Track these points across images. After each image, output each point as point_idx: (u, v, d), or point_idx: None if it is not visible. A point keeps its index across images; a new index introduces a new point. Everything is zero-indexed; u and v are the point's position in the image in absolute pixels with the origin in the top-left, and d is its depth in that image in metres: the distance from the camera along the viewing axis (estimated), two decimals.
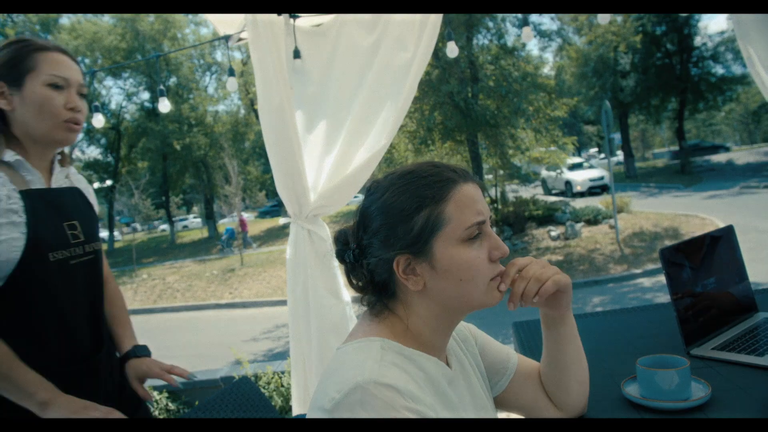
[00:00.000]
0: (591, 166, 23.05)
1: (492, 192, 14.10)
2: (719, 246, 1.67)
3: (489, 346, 1.15)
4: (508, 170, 13.06)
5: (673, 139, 32.94)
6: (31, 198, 1.35)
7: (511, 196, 14.57)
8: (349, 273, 1.01)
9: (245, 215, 21.64)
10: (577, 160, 23.52)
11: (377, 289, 0.98)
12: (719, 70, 24.45)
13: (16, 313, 1.31)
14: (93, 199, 1.61)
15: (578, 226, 11.93)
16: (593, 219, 12.54)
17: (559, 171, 21.19)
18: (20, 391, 1.25)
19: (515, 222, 12.76)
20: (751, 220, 10.92)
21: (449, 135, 12.71)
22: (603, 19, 2.52)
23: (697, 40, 24.60)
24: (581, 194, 20.61)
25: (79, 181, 1.60)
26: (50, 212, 1.38)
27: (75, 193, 1.52)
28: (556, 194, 21.98)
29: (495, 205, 13.51)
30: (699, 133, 49.06)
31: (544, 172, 22.25)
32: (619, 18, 22.03)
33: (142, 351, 1.57)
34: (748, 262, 1.74)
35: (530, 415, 1.15)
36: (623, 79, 25.08)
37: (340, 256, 1.01)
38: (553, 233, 11.94)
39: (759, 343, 1.43)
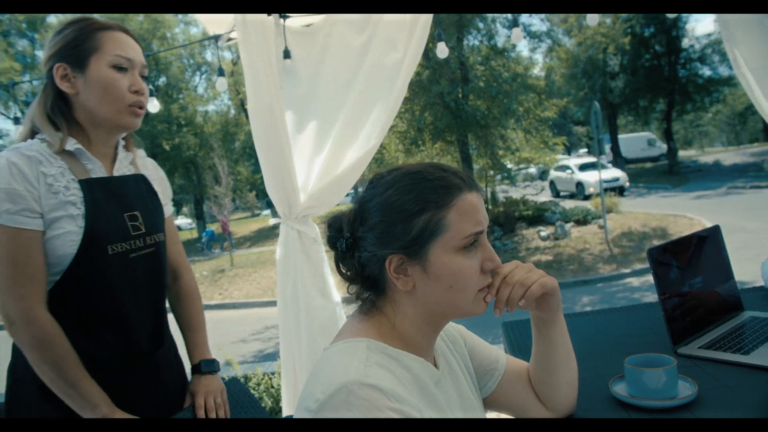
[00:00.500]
0: (603, 166, 21.35)
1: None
2: (706, 246, 1.69)
3: (478, 347, 1.15)
4: (498, 171, 13.10)
5: (662, 140, 33.20)
6: (91, 188, 1.30)
7: (501, 196, 14.62)
8: (339, 261, 1.01)
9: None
10: (589, 159, 21.90)
11: (366, 283, 0.98)
12: (706, 71, 24.74)
13: (73, 308, 1.28)
14: (161, 185, 1.54)
15: (568, 226, 12.00)
16: (582, 219, 12.61)
17: (569, 171, 19.96)
18: (84, 401, 1.23)
19: (505, 222, 12.80)
20: (738, 220, 11.03)
21: (440, 135, 12.74)
22: (592, 20, 2.53)
23: (685, 42, 24.85)
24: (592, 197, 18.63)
25: (145, 166, 1.53)
26: (111, 203, 1.33)
27: (139, 180, 1.45)
28: (565, 197, 20.29)
29: (485, 205, 13.53)
30: (687, 134, 49.51)
31: (552, 173, 21.07)
32: (608, 19, 22.20)
33: (208, 367, 1.51)
34: (735, 262, 1.76)
35: (520, 416, 1.16)
36: (612, 80, 25.28)
37: (332, 242, 1.00)
38: (542, 233, 12.00)
39: (744, 342, 1.45)
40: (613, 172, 19.99)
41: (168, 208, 1.55)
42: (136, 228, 1.37)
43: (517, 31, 2.84)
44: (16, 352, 1.30)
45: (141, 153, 1.53)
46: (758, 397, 1.16)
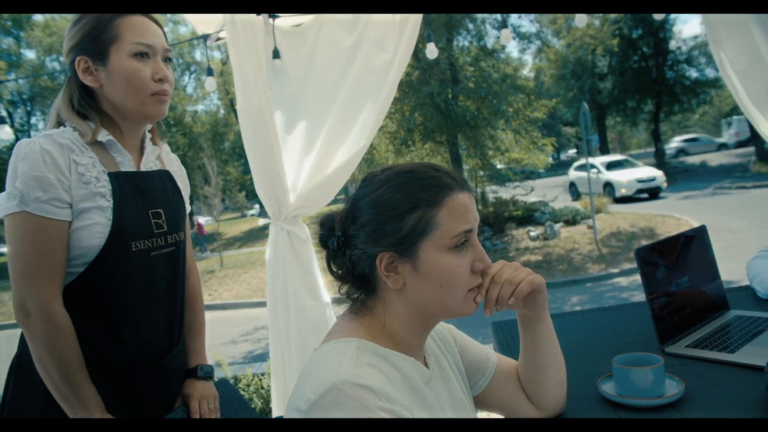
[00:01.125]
0: (631, 163, 18.53)
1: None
2: (693, 245, 1.70)
3: (469, 346, 1.16)
4: (488, 171, 13.14)
5: (650, 141, 33.51)
6: (120, 181, 1.28)
7: (491, 196, 14.66)
8: (330, 260, 1.01)
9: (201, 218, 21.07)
10: (616, 157, 19.69)
11: (356, 282, 0.98)
12: (693, 73, 24.96)
13: (92, 302, 1.25)
14: (183, 182, 1.52)
15: (557, 226, 12.06)
16: (572, 219, 12.68)
17: (596, 171, 17.34)
18: (80, 406, 1.20)
19: (495, 223, 12.84)
20: (724, 220, 11.15)
21: (429, 136, 12.75)
22: (580, 21, 2.55)
23: (672, 44, 25.06)
24: (627, 199, 16.32)
25: (170, 162, 1.51)
26: (137, 198, 1.31)
27: (164, 177, 1.43)
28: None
29: (476, 206, 13.55)
30: (674, 134, 49.96)
31: (572, 173, 19.15)
32: (597, 21, 22.36)
33: (204, 372, 1.50)
34: (721, 261, 1.78)
35: (510, 414, 1.16)
36: (601, 81, 25.48)
37: (324, 241, 1.00)
38: (532, 233, 12.05)
39: (730, 341, 1.46)
40: (648, 171, 17.31)
41: (187, 206, 1.54)
42: (159, 226, 1.35)
43: (506, 32, 2.85)
44: (24, 350, 1.26)
45: (166, 148, 1.52)
46: (744, 395, 1.17)
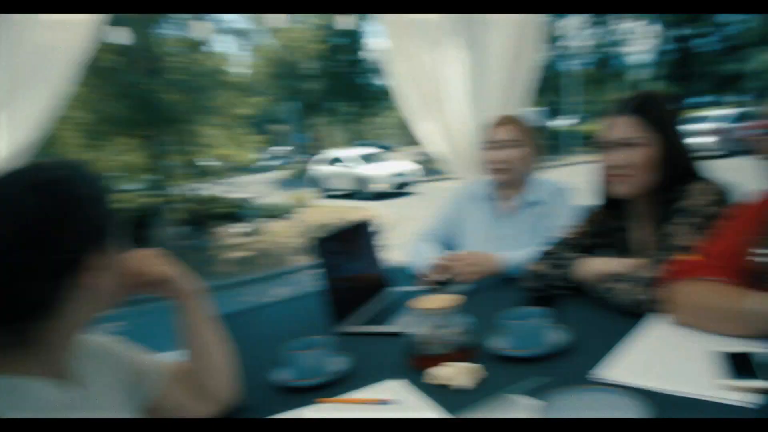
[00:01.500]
0: (385, 157, 18.08)
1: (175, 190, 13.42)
2: (362, 234, 1.98)
3: (130, 357, 1.10)
4: (193, 168, 12.70)
5: (350, 140, 36.77)
6: None
7: (192, 194, 14.13)
8: None
9: None
10: (368, 150, 18.83)
11: (19, 313, 0.81)
12: (378, 81, 28.40)
13: None
14: None
15: (261, 221, 12.33)
16: (276, 214, 13.10)
17: (344, 165, 16.77)
18: None
19: (196, 221, 12.44)
20: (411, 210, 12.97)
21: (128, 129, 11.70)
22: (278, 20, 2.69)
23: (364, 54, 28.10)
24: (383, 195, 15.39)
25: None
26: None
27: None
28: (340, 196, 16.47)
29: (179, 204, 12.90)
30: (371, 135, 55.95)
31: (317, 168, 18.18)
32: (302, 24, 23.72)
33: None
34: (397, 246, 2.08)
35: (182, 415, 1.13)
36: (308, 82, 27.13)
37: None
38: (236, 230, 12.09)
39: (385, 314, 1.74)
40: (403, 165, 16.57)
41: None
42: None
43: (202, 25, 2.82)
44: None
45: None
46: (391, 359, 1.38)
